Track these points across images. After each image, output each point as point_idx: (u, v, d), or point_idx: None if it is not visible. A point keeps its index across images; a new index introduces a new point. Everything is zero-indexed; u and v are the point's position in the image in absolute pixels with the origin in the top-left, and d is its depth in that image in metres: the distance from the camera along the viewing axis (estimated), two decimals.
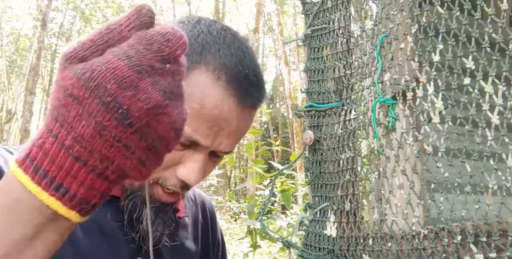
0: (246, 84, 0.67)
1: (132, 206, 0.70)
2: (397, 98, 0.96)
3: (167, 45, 0.39)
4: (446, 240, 0.81)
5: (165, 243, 0.76)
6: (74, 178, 0.39)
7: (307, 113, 1.19)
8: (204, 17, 0.74)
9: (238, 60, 0.66)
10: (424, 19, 0.90)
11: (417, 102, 0.90)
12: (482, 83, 0.75)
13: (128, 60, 0.37)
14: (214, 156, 0.70)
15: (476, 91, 0.77)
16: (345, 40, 1.14)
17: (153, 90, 0.38)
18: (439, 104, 0.85)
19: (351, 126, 1.08)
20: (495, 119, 0.74)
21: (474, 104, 0.77)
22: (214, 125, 0.65)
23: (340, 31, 1.15)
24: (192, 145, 0.66)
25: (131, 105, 0.38)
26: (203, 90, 0.64)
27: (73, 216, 0.40)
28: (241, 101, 0.66)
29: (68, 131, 0.38)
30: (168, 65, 0.39)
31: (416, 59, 0.91)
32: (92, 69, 0.37)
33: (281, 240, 1.16)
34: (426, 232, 0.85)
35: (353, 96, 1.11)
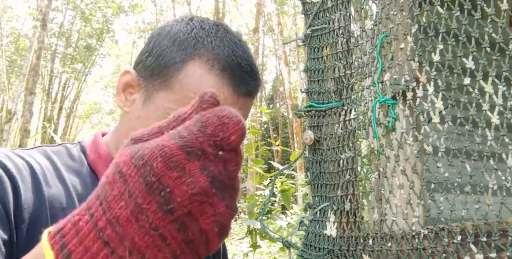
0: (240, 73, 0.69)
1: None
2: (397, 98, 0.96)
3: (221, 129, 0.36)
4: (446, 240, 0.81)
5: None
6: None
7: (307, 113, 1.19)
8: (199, 16, 0.77)
9: (230, 50, 0.69)
10: (424, 19, 0.90)
11: (417, 102, 0.89)
12: (482, 83, 0.75)
13: (179, 140, 0.35)
14: None
15: (476, 91, 0.76)
16: (345, 40, 1.14)
17: (200, 174, 0.35)
18: (439, 104, 0.85)
19: (351, 126, 1.08)
20: (495, 119, 0.74)
21: (474, 104, 0.77)
22: None
23: (340, 31, 1.15)
24: None
25: (174, 188, 0.34)
26: (198, 79, 0.67)
27: None
28: (235, 89, 0.68)
29: (105, 211, 0.35)
30: (221, 152, 0.36)
31: (416, 59, 0.91)
32: (145, 147, 0.36)
33: (281, 240, 1.16)
34: (426, 232, 0.85)
35: (353, 96, 1.11)
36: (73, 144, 0.80)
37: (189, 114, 0.39)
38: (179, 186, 0.35)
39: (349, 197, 1.05)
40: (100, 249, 0.35)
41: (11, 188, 0.62)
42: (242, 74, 0.69)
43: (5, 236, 0.58)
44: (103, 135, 0.82)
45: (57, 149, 0.76)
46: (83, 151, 0.77)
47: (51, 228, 0.37)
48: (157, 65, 0.69)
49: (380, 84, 0.99)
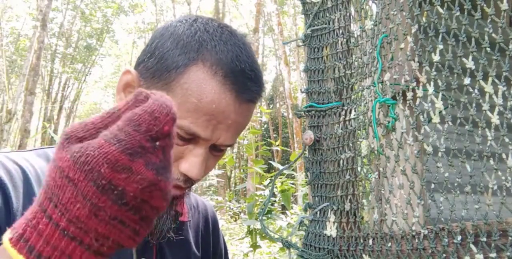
0: (243, 79, 0.68)
1: None
2: (397, 98, 0.96)
3: (154, 123, 0.39)
4: (446, 240, 0.81)
5: (170, 238, 0.77)
6: (69, 257, 0.38)
7: (307, 113, 1.19)
8: (203, 16, 0.75)
9: (234, 55, 0.68)
10: (424, 19, 0.90)
11: (417, 102, 0.89)
12: (482, 83, 0.75)
13: (119, 144, 0.38)
14: (215, 150, 0.72)
15: (476, 91, 0.76)
16: (345, 40, 1.14)
17: (146, 170, 0.39)
18: (439, 104, 0.85)
19: (351, 126, 1.08)
20: (495, 119, 0.74)
21: (474, 104, 0.77)
22: (212, 118, 0.66)
23: (340, 31, 1.15)
24: (193, 139, 0.67)
25: (125, 186, 0.38)
26: (200, 85, 0.66)
27: None
28: (238, 95, 0.68)
29: (63, 212, 0.38)
30: (157, 142, 0.40)
31: (416, 59, 0.91)
32: (86, 153, 0.38)
33: (281, 240, 1.16)
34: (426, 232, 0.85)
35: (353, 96, 1.11)
36: None
37: (123, 111, 0.41)
38: (129, 184, 0.38)
39: (349, 197, 1.05)
40: (68, 244, 0.38)
41: (2, 196, 0.60)
42: (245, 81, 0.69)
43: None
44: None
45: None
46: None
47: (9, 235, 0.40)
48: (159, 67, 0.68)
49: (380, 84, 0.99)
